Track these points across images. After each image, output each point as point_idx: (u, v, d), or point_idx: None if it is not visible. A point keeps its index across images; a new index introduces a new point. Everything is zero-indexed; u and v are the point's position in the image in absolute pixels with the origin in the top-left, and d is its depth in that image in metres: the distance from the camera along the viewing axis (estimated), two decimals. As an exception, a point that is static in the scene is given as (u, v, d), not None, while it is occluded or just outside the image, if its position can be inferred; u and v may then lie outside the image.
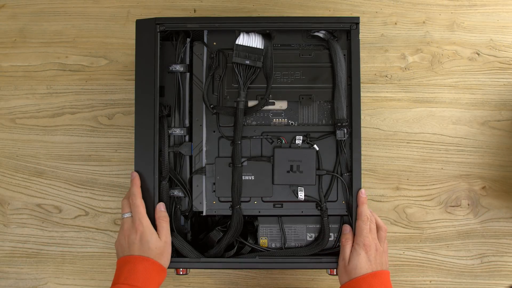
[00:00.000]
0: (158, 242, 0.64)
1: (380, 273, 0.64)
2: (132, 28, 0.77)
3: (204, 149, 0.69)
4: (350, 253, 0.65)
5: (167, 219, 0.67)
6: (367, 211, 0.67)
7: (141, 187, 0.67)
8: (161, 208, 0.67)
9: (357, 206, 0.67)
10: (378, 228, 0.68)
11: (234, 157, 0.68)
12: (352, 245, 0.66)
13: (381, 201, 0.80)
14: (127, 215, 0.66)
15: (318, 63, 0.69)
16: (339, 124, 0.68)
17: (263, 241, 0.69)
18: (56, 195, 0.81)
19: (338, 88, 0.68)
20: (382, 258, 0.66)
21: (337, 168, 0.69)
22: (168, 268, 0.66)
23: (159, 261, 0.64)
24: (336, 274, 0.70)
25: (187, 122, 0.70)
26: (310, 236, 0.69)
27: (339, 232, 0.69)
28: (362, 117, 0.78)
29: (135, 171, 0.67)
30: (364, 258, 0.64)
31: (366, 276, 0.63)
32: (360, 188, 0.67)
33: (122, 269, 0.62)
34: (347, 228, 0.68)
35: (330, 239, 0.68)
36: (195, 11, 0.83)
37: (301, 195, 0.68)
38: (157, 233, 0.65)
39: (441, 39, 0.82)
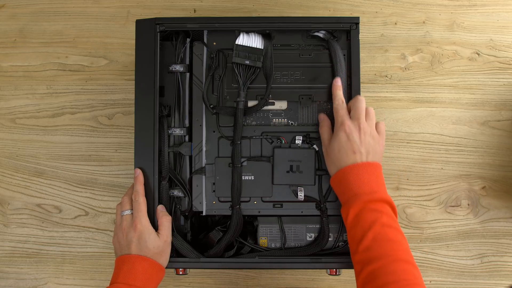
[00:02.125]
0: (156, 241, 0.64)
1: (371, 164, 0.62)
2: (132, 28, 0.77)
3: (204, 149, 0.69)
4: (332, 136, 0.64)
5: (169, 218, 0.66)
6: (341, 96, 0.65)
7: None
8: (162, 208, 0.67)
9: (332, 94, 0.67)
10: (377, 123, 0.65)
11: (234, 157, 0.68)
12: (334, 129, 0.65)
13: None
14: (127, 212, 0.66)
15: (318, 63, 0.69)
16: (339, 124, 0.68)
17: (263, 241, 0.69)
18: (56, 195, 0.81)
19: (338, 88, 0.68)
20: (376, 147, 0.63)
21: (337, 168, 0.69)
22: (168, 268, 0.66)
23: (157, 260, 0.64)
24: (336, 274, 0.70)
25: (187, 122, 0.70)
26: (310, 236, 0.69)
27: (339, 233, 0.68)
28: (362, 117, 0.78)
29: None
30: (343, 138, 0.62)
31: (354, 165, 0.61)
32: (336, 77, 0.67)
33: (120, 268, 0.62)
34: (321, 116, 0.67)
35: (330, 239, 0.68)
36: (195, 11, 0.83)
37: (301, 195, 0.68)
38: (158, 232, 0.65)
39: (441, 39, 0.82)
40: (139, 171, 0.66)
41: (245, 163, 0.69)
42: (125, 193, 0.70)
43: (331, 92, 0.68)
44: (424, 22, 0.82)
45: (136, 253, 0.63)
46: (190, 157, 0.70)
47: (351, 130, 0.63)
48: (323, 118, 0.67)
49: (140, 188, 0.66)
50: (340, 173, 0.62)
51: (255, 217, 0.70)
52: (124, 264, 0.63)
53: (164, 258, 0.65)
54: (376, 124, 0.66)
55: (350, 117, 0.64)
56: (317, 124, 0.69)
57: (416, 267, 0.57)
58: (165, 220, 0.66)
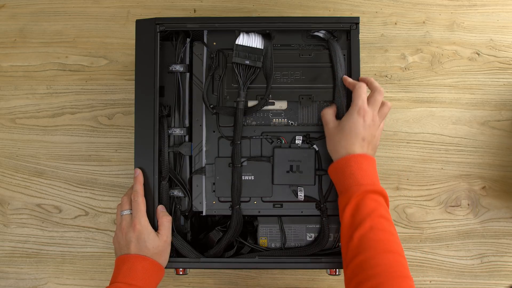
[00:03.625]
0: (156, 241, 0.64)
1: (371, 157, 0.63)
2: (132, 28, 0.77)
3: (204, 149, 0.69)
4: (343, 117, 0.65)
5: (169, 218, 0.66)
6: (364, 85, 0.65)
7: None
8: (162, 208, 0.67)
9: (369, 82, 0.66)
10: (382, 103, 0.66)
11: (234, 157, 0.68)
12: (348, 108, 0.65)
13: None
14: (127, 212, 0.66)
15: (318, 63, 0.69)
16: (339, 124, 0.68)
17: (263, 241, 0.69)
18: (56, 195, 0.81)
19: (338, 88, 0.68)
20: (377, 141, 0.65)
21: (337, 168, 0.69)
22: (168, 268, 0.66)
23: (157, 260, 0.64)
24: (336, 274, 0.70)
25: (187, 122, 0.70)
26: (310, 236, 0.69)
27: (339, 233, 0.68)
28: (362, 117, 0.78)
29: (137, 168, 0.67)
30: (356, 120, 0.63)
31: (357, 155, 0.62)
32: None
33: (120, 268, 0.62)
34: (347, 79, 0.66)
35: (330, 239, 0.68)
36: (195, 11, 0.83)
37: (301, 195, 0.68)
38: (158, 232, 0.65)
39: (441, 39, 0.82)
40: (139, 171, 0.66)
41: (245, 163, 0.69)
42: (125, 193, 0.70)
43: (336, 89, 0.68)
44: (424, 22, 0.82)
45: (135, 253, 0.63)
46: (190, 157, 0.70)
47: (367, 117, 0.63)
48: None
49: (139, 188, 0.66)
50: (343, 161, 0.62)
51: (255, 217, 0.70)
52: (123, 264, 0.63)
53: (163, 258, 0.65)
54: None
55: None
56: (317, 124, 0.69)
57: (405, 258, 0.58)
58: (165, 220, 0.66)
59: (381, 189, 0.61)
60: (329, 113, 0.66)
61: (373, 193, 0.60)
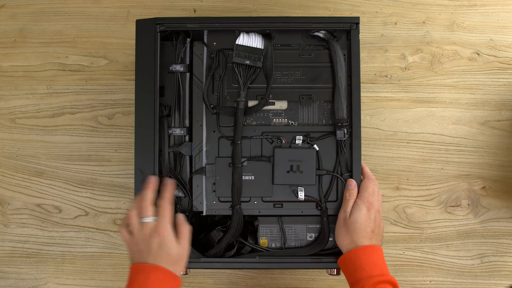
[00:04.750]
0: (178, 249, 0.63)
1: (379, 248, 0.65)
2: (132, 28, 0.77)
3: (204, 149, 0.69)
4: (352, 207, 0.66)
5: (189, 228, 0.66)
6: (372, 175, 0.68)
7: (141, 186, 0.66)
8: (182, 217, 0.66)
9: (362, 169, 0.68)
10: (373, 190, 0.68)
11: (234, 157, 0.68)
12: (355, 201, 0.66)
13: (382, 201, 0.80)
14: (149, 219, 0.64)
15: (318, 63, 0.69)
16: (339, 124, 0.68)
17: (263, 241, 0.69)
18: (56, 195, 0.81)
19: (338, 88, 0.68)
20: (380, 227, 0.66)
21: (337, 168, 0.69)
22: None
23: (175, 268, 0.62)
24: (336, 274, 0.70)
25: (187, 122, 0.70)
26: (310, 236, 0.69)
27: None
28: (362, 117, 0.78)
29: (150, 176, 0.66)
30: (365, 215, 0.65)
31: (366, 247, 0.63)
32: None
33: (135, 279, 0.61)
34: (352, 183, 0.67)
35: (330, 239, 0.68)
36: (195, 11, 0.83)
37: (301, 195, 0.68)
38: (178, 240, 0.64)
39: (441, 39, 0.82)
40: (171, 182, 0.66)
41: (245, 163, 0.69)
42: (138, 198, 0.66)
43: (336, 89, 0.68)
44: (424, 22, 0.82)
45: (153, 261, 0.61)
46: (190, 157, 0.70)
47: (375, 210, 0.66)
48: (355, 188, 0.67)
49: (169, 196, 0.65)
50: (352, 254, 0.64)
51: (255, 217, 0.70)
52: (138, 274, 0.61)
53: (181, 266, 0.64)
54: None
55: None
56: (317, 124, 0.69)
57: None
58: (185, 229, 0.65)
59: (390, 278, 0.62)
60: (350, 204, 0.67)
61: (383, 283, 0.61)
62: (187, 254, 0.65)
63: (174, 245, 0.63)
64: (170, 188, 0.66)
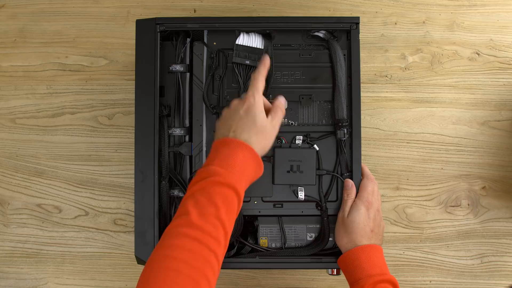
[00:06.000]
0: (265, 120, 0.59)
1: (378, 247, 0.64)
2: (132, 28, 0.77)
3: (204, 149, 0.69)
4: (351, 207, 0.66)
5: (283, 113, 0.63)
6: (371, 175, 0.68)
7: (141, 186, 0.67)
8: (282, 99, 0.64)
9: (362, 169, 0.68)
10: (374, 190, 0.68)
11: (234, 157, 0.68)
12: (354, 201, 0.66)
13: (381, 201, 0.80)
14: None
15: (318, 63, 0.69)
16: (339, 124, 0.68)
17: (263, 241, 0.69)
18: (56, 195, 0.81)
19: (338, 88, 0.68)
20: (380, 227, 0.66)
21: (337, 168, 0.69)
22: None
23: (259, 143, 0.59)
24: (336, 274, 0.70)
25: (187, 122, 0.70)
26: (310, 236, 0.69)
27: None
28: (362, 117, 0.78)
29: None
30: (364, 214, 0.65)
31: (365, 246, 0.63)
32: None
33: (219, 151, 0.58)
34: (349, 182, 0.67)
35: (330, 239, 0.68)
36: (195, 11, 0.83)
37: (301, 195, 0.68)
38: (268, 115, 0.61)
39: (441, 39, 0.82)
40: (267, 57, 0.65)
41: (245, 163, 0.69)
42: (254, 74, 0.64)
43: (336, 89, 0.68)
44: (424, 22, 0.82)
45: (236, 128, 0.58)
46: (190, 157, 0.70)
47: (375, 210, 0.66)
48: (352, 188, 0.67)
49: (263, 70, 0.63)
50: (352, 253, 0.63)
51: (255, 217, 0.70)
52: (224, 147, 0.58)
53: (267, 143, 0.61)
54: None
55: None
56: (317, 124, 0.69)
57: None
58: (280, 111, 0.62)
59: (390, 278, 0.62)
60: (349, 204, 0.66)
61: (383, 283, 0.61)
62: (274, 134, 0.62)
63: (261, 114, 0.60)
64: (266, 63, 0.64)
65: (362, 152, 0.70)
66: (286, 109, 0.70)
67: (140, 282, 0.51)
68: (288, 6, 0.82)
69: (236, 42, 0.68)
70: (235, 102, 0.63)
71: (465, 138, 0.81)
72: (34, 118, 0.82)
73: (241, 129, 0.59)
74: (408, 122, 0.81)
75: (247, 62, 0.68)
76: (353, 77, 0.68)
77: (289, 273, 0.80)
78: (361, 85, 0.75)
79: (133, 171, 0.69)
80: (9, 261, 0.81)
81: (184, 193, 0.69)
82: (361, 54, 0.79)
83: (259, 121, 0.59)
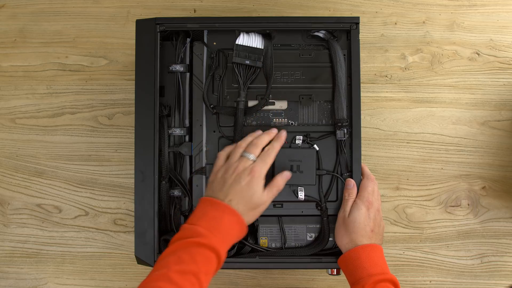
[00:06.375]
0: (262, 196, 0.61)
1: (379, 246, 0.65)
2: (132, 28, 0.77)
3: (204, 149, 0.69)
4: (352, 207, 0.66)
5: (282, 187, 0.64)
6: (371, 175, 0.68)
7: (141, 186, 0.67)
8: (287, 173, 0.65)
9: (362, 169, 0.68)
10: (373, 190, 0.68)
11: (234, 157, 0.68)
12: (355, 200, 0.66)
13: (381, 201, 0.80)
14: (252, 157, 0.62)
15: (318, 63, 0.69)
16: (339, 124, 0.68)
17: (263, 241, 0.69)
18: (56, 195, 0.81)
19: (338, 88, 0.68)
20: (380, 226, 0.66)
21: (337, 168, 0.69)
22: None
23: (248, 214, 0.61)
24: (336, 274, 0.70)
25: (187, 122, 0.70)
26: (310, 236, 0.69)
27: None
28: (362, 117, 0.78)
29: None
30: (364, 214, 0.65)
31: (366, 246, 0.63)
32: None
33: (207, 212, 0.59)
34: (351, 182, 0.67)
35: (330, 239, 0.68)
36: (195, 11, 0.83)
37: (301, 195, 0.68)
38: (266, 189, 0.62)
39: (441, 39, 0.82)
40: (284, 133, 0.66)
41: (245, 163, 0.69)
42: (253, 135, 0.66)
43: (336, 89, 0.68)
44: (424, 22, 0.82)
45: (232, 197, 0.60)
46: (190, 157, 0.70)
47: (375, 209, 0.66)
48: (353, 188, 0.67)
49: (277, 146, 0.64)
50: (352, 253, 0.63)
51: (255, 217, 0.70)
52: (212, 209, 0.59)
53: (255, 215, 0.63)
54: None
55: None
56: (317, 124, 0.69)
57: None
58: (276, 189, 0.63)
59: (390, 277, 0.62)
60: (349, 204, 0.67)
61: (383, 282, 0.61)
62: (265, 207, 0.63)
63: (260, 191, 0.61)
64: (281, 140, 0.65)
65: (362, 152, 0.70)
66: (286, 109, 0.70)
67: None
68: (288, 6, 0.82)
69: (236, 42, 0.68)
70: (242, 164, 0.62)
71: (465, 138, 0.81)
72: (34, 118, 0.82)
73: (236, 202, 0.60)
74: (408, 122, 0.81)
75: (247, 62, 0.68)
76: (353, 77, 0.68)
77: (289, 273, 0.80)
78: (361, 85, 0.75)
79: (133, 171, 0.69)
80: (9, 261, 0.81)
81: (184, 193, 0.69)
82: (361, 54, 0.79)
83: (256, 197, 0.61)
